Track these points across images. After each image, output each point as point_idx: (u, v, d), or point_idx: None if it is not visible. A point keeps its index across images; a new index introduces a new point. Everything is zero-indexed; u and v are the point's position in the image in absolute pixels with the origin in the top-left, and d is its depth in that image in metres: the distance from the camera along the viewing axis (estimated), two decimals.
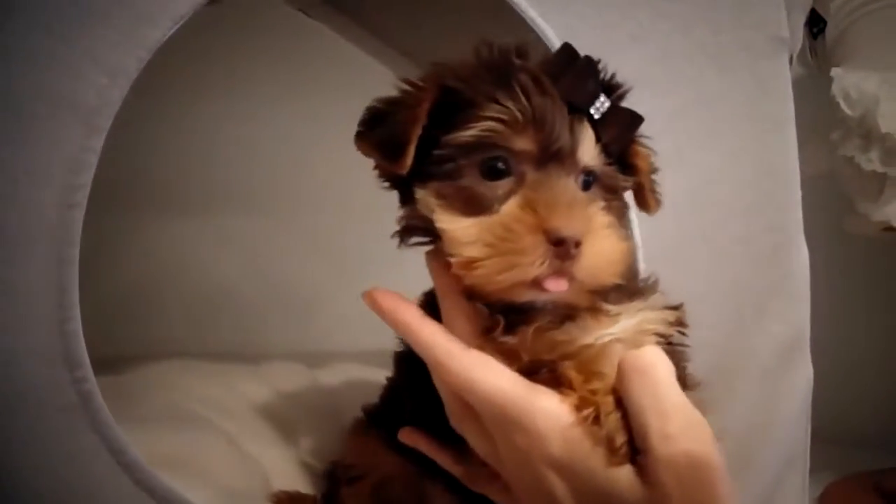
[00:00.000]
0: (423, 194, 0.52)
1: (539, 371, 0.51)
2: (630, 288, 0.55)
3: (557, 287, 0.48)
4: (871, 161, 0.98)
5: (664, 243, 0.64)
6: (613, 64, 0.62)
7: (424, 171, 0.52)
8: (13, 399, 0.49)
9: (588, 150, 0.52)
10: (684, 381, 0.54)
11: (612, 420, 0.47)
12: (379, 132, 0.53)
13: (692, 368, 0.57)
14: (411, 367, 0.58)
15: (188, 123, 1.14)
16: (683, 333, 0.56)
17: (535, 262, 0.47)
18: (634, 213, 0.63)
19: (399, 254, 0.56)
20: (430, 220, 0.52)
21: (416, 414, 0.61)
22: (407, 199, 0.55)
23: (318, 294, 1.21)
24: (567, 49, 0.54)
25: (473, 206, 0.50)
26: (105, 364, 0.67)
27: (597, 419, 0.48)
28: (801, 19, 0.85)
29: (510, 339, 0.52)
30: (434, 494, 0.63)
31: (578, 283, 0.49)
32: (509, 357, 0.52)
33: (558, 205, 0.48)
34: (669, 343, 0.54)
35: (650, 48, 0.64)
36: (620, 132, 0.54)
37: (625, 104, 0.55)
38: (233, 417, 0.79)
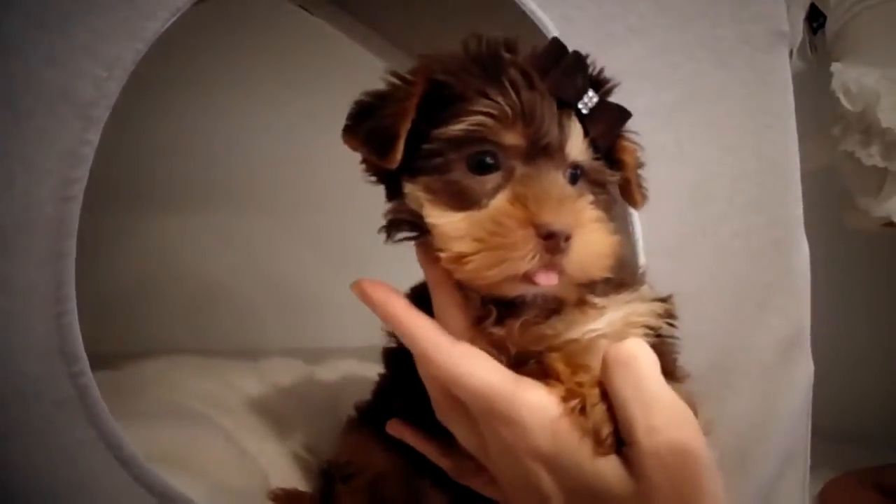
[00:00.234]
0: (411, 189, 0.52)
1: (527, 362, 0.52)
2: (618, 280, 0.55)
3: (548, 281, 0.48)
4: (872, 156, 0.98)
5: (665, 237, 0.64)
6: (612, 56, 0.62)
7: (413, 166, 0.52)
8: (9, 392, 0.49)
9: (576, 145, 0.52)
10: (673, 373, 0.55)
11: (598, 411, 0.48)
12: (367, 126, 0.52)
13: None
14: (400, 362, 0.58)
15: (187, 121, 1.14)
16: (673, 325, 0.56)
17: (525, 256, 0.47)
18: None
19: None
20: (418, 214, 0.52)
21: (405, 408, 0.61)
22: (394, 194, 0.55)
23: (316, 291, 1.21)
24: (556, 44, 0.54)
25: (462, 200, 0.50)
26: (103, 360, 0.67)
27: (583, 410, 0.48)
28: (801, 14, 0.85)
29: (499, 331, 0.52)
30: (427, 491, 0.63)
31: (568, 277, 0.49)
32: (499, 348, 0.52)
33: (548, 199, 0.48)
34: (658, 335, 0.55)
35: (650, 41, 0.64)
36: (608, 127, 0.54)
37: (617, 98, 0.55)
38: (231, 414, 0.78)
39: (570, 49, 0.53)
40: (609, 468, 0.47)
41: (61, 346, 0.50)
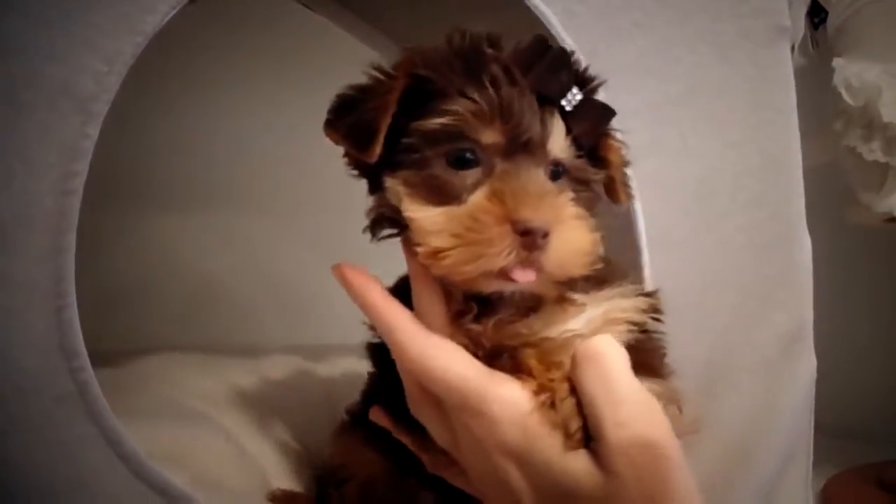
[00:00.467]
0: (391, 183, 0.52)
1: (501, 356, 0.51)
2: (601, 276, 0.55)
3: (525, 278, 0.48)
4: (874, 151, 0.98)
5: (668, 232, 0.64)
6: (615, 51, 0.62)
7: (393, 160, 0.51)
8: (9, 388, 0.49)
9: (558, 142, 0.52)
10: (658, 369, 0.55)
11: (568, 405, 0.48)
12: (348, 120, 0.52)
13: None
14: (383, 356, 0.58)
15: (189, 120, 1.14)
16: (658, 320, 0.56)
17: (501, 252, 0.47)
18: (639, 199, 0.63)
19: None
20: (398, 209, 0.51)
21: (387, 401, 0.61)
22: (376, 188, 0.54)
23: (316, 289, 1.21)
24: (540, 40, 0.53)
25: (441, 195, 0.50)
26: (103, 357, 0.66)
27: (553, 405, 0.48)
28: (803, 9, 0.85)
29: (476, 327, 0.52)
30: (418, 493, 0.63)
31: (547, 274, 0.49)
32: (476, 344, 0.52)
33: (526, 195, 0.48)
34: (644, 331, 0.54)
35: (652, 36, 0.64)
36: (592, 125, 0.54)
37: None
38: (231, 412, 0.78)
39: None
40: (578, 463, 0.47)
41: (61, 342, 0.50)
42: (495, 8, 0.70)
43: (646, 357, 0.53)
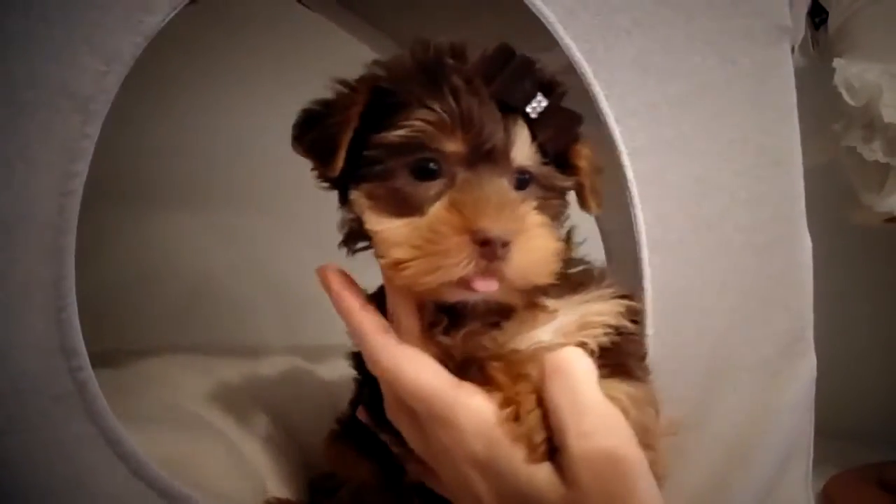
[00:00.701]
0: (356, 196, 0.53)
1: (470, 369, 0.52)
2: (576, 280, 0.56)
3: (486, 287, 0.48)
4: (874, 151, 0.97)
5: (667, 232, 0.64)
6: (616, 50, 0.62)
7: (359, 173, 0.52)
8: (8, 388, 0.49)
9: (522, 150, 0.52)
10: (633, 372, 0.55)
11: (532, 418, 0.48)
12: (312, 135, 0.53)
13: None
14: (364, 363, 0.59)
15: (189, 120, 1.14)
16: (637, 322, 0.57)
17: (460, 263, 0.47)
18: (638, 200, 0.63)
19: None
20: (362, 221, 0.52)
21: (371, 407, 0.61)
22: (345, 200, 0.55)
23: (316, 288, 1.20)
24: (503, 49, 0.53)
25: (405, 207, 0.51)
26: (103, 358, 0.67)
27: (517, 417, 0.49)
28: (804, 9, 0.85)
29: (446, 339, 0.53)
30: (409, 501, 0.63)
31: (509, 283, 0.49)
32: (447, 355, 0.53)
33: (486, 205, 0.48)
34: (621, 333, 0.55)
35: (652, 35, 0.64)
36: (558, 131, 0.54)
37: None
38: (230, 417, 0.78)
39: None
40: (541, 475, 0.48)
41: (61, 342, 0.50)
42: (495, 8, 0.70)
43: (624, 359, 0.54)
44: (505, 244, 0.47)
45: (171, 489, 0.54)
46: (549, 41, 0.61)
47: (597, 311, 0.55)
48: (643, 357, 0.57)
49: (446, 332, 0.53)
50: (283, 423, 0.82)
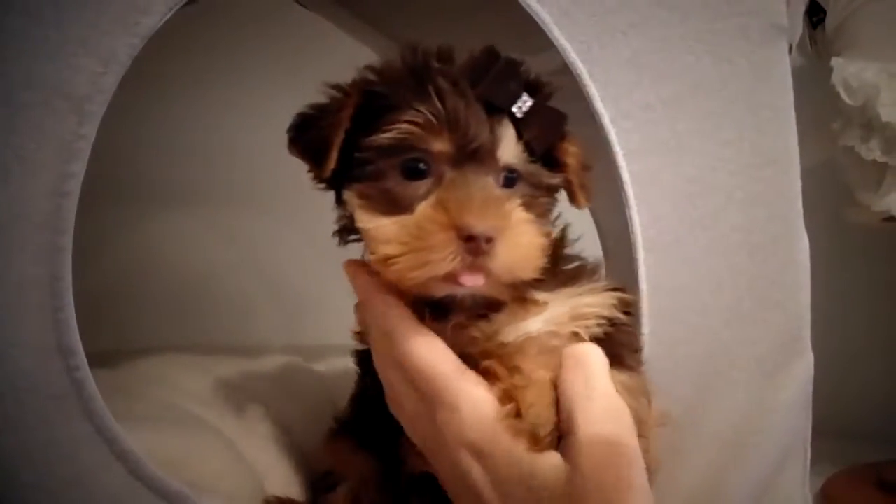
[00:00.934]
0: (348, 195, 0.55)
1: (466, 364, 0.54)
2: (570, 274, 0.58)
3: (473, 282, 0.50)
4: (872, 150, 0.98)
5: (663, 231, 0.64)
6: (611, 50, 0.62)
7: (352, 174, 0.54)
8: (5, 388, 0.49)
9: (508, 149, 0.54)
10: (626, 362, 0.57)
11: (535, 412, 0.50)
12: (306, 137, 0.55)
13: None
14: (370, 363, 0.61)
15: (188, 119, 1.14)
16: (629, 314, 0.58)
17: (446, 258, 0.49)
18: (633, 200, 0.63)
19: None
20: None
21: (373, 404, 0.62)
22: (340, 200, 0.57)
23: (315, 287, 1.21)
24: (489, 51, 0.55)
25: (394, 205, 0.52)
26: (101, 358, 0.66)
27: (518, 413, 0.50)
28: (801, 8, 0.85)
29: (435, 327, 0.55)
30: (408, 497, 0.63)
31: (495, 277, 0.51)
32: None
33: (470, 203, 0.50)
34: (614, 324, 0.57)
35: (647, 36, 0.64)
36: (544, 130, 0.55)
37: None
38: (229, 417, 0.78)
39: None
40: (546, 460, 0.50)
41: (58, 341, 0.50)
42: (492, 8, 0.70)
43: (617, 350, 0.56)
44: (489, 240, 0.49)
45: (168, 488, 0.55)
46: (545, 41, 0.61)
47: (588, 302, 0.56)
48: (637, 348, 0.59)
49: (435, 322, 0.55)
50: (282, 421, 0.82)
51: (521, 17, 0.61)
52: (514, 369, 0.52)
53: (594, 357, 0.53)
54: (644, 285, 0.62)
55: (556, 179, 0.57)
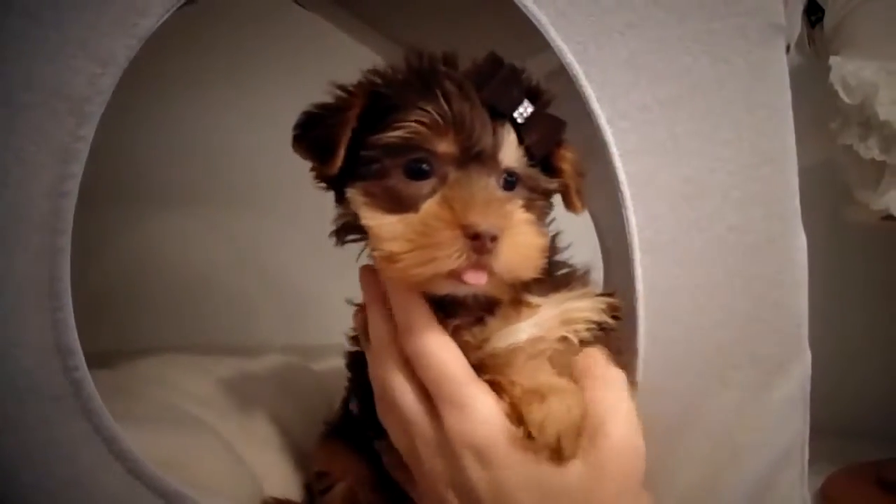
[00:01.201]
0: (352, 193, 0.55)
1: None
2: (561, 280, 0.60)
3: (476, 280, 0.51)
4: (870, 149, 0.97)
5: (660, 232, 0.64)
6: (608, 51, 0.62)
7: (355, 172, 0.55)
8: (4, 388, 0.50)
9: (510, 153, 0.56)
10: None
11: (552, 430, 0.50)
12: (312, 136, 0.56)
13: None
14: (360, 365, 0.62)
15: (188, 119, 1.15)
16: (618, 318, 0.60)
17: (451, 255, 0.50)
18: (630, 201, 0.63)
19: None
20: (358, 217, 0.55)
21: (362, 408, 0.64)
22: (341, 199, 0.58)
23: (315, 288, 1.21)
24: (493, 57, 0.57)
25: (399, 204, 0.53)
26: (101, 359, 0.67)
27: (529, 435, 0.51)
28: (799, 7, 0.85)
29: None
30: (401, 500, 0.64)
31: (497, 276, 0.52)
32: None
33: (475, 202, 0.51)
34: (602, 329, 0.58)
35: (645, 36, 0.64)
36: (543, 136, 0.57)
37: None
38: (228, 418, 0.78)
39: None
40: (569, 468, 0.51)
41: (56, 341, 0.50)
42: (490, 9, 0.70)
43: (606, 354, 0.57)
44: (493, 238, 0.50)
45: (167, 488, 0.55)
46: (543, 42, 0.61)
47: (579, 307, 0.58)
48: (620, 352, 0.60)
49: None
50: (281, 422, 0.83)
51: (518, 17, 0.61)
52: (510, 382, 0.54)
53: (610, 370, 0.56)
54: (640, 285, 0.62)
55: (552, 184, 0.59)
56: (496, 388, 0.54)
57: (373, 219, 0.54)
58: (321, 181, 0.59)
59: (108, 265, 1.07)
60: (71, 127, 0.50)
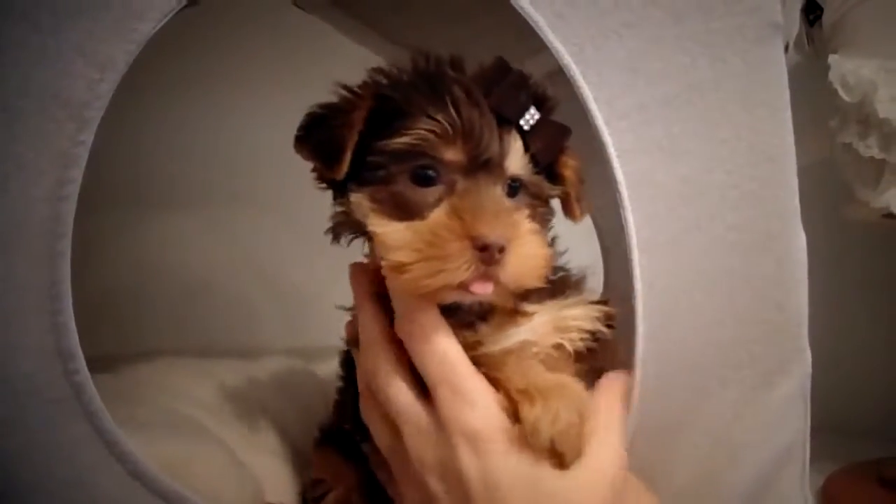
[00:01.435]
0: (357, 198, 0.55)
1: None
2: (556, 287, 0.59)
3: (483, 290, 0.51)
4: (870, 147, 0.97)
5: (658, 232, 0.64)
6: (605, 51, 0.62)
7: (360, 176, 0.54)
8: (5, 391, 0.50)
9: (516, 160, 0.55)
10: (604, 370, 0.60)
11: (562, 436, 0.51)
12: (316, 137, 0.55)
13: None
14: (353, 365, 0.63)
15: (189, 121, 1.15)
16: (612, 326, 0.60)
17: (460, 267, 0.50)
18: (628, 200, 0.63)
19: None
20: (361, 222, 0.55)
21: (353, 406, 0.63)
22: (340, 198, 0.57)
23: (316, 289, 1.21)
24: (500, 63, 0.56)
25: (405, 211, 0.53)
26: (101, 363, 0.67)
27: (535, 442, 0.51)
28: (797, 6, 0.85)
29: None
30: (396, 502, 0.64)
31: (503, 286, 0.52)
32: None
33: (484, 212, 0.51)
34: (596, 338, 0.59)
35: (642, 36, 0.64)
36: (548, 143, 0.57)
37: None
38: (229, 422, 0.78)
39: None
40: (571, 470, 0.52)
41: (57, 345, 0.50)
42: (488, 10, 0.71)
43: (600, 364, 0.58)
44: (501, 249, 0.50)
45: (168, 490, 0.55)
46: (542, 43, 0.61)
47: (573, 315, 0.58)
48: (614, 359, 0.61)
49: None
50: (282, 426, 0.83)
51: (517, 18, 0.61)
52: (504, 380, 0.54)
53: (618, 385, 0.59)
54: (639, 285, 0.62)
55: (555, 191, 0.59)
56: (494, 383, 0.54)
57: (380, 225, 0.53)
58: (322, 183, 0.58)
59: (109, 268, 1.07)
60: (70, 132, 0.50)
